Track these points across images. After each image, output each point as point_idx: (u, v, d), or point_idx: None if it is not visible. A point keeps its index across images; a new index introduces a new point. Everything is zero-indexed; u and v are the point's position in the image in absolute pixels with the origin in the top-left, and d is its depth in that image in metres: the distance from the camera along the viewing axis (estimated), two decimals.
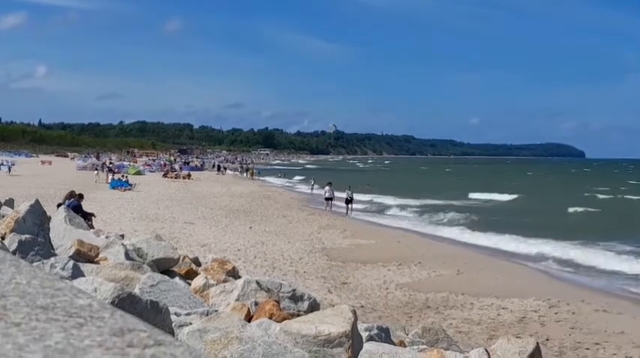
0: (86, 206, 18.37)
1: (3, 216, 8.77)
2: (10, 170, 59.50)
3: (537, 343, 6.84)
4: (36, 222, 8.03)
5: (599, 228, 29.63)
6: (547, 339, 11.69)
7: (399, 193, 49.43)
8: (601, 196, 53.00)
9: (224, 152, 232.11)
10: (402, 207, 40.57)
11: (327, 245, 22.67)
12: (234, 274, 9.39)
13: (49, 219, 8.87)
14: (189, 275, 9.08)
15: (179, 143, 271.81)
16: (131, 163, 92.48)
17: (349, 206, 36.18)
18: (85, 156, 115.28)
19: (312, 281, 16.37)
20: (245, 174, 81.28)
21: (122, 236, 12.23)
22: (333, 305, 8.19)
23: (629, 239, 25.58)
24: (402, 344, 7.18)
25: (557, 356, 11.02)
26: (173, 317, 5.70)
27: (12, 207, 11.49)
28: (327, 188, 37.86)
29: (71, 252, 7.69)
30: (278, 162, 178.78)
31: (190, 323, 5.63)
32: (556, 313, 13.86)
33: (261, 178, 79.09)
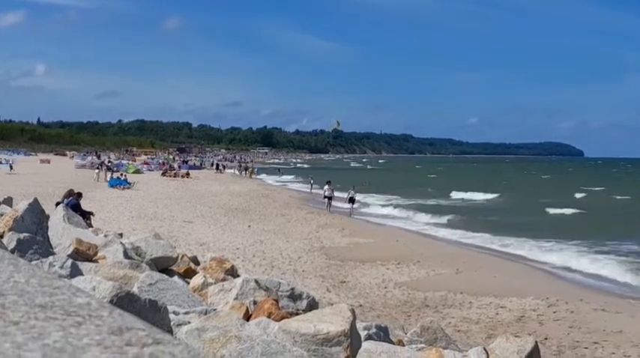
0: (85, 205, 18.37)
1: (1, 215, 8.76)
2: (11, 168, 59.51)
3: (536, 342, 6.85)
4: (34, 220, 8.02)
5: (571, 228, 29.56)
6: (546, 338, 11.71)
7: (382, 191, 49.97)
8: (585, 195, 52.98)
9: (223, 151, 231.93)
10: (382, 206, 40.76)
11: (325, 244, 22.68)
12: (232, 273, 9.39)
13: (47, 217, 8.88)
14: (188, 274, 9.08)
15: (178, 142, 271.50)
16: (130, 162, 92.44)
17: (352, 205, 35.90)
18: (84, 155, 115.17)
19: (311, 280, 16.38)
20: (244, 173, 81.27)
21: (121, 235, 12.23)
22: (332, 304, 8.20)
23: (601, 239, 25.68)
24: (400, 343, 7.18)
25: (556, 355, 11.03)
26: (172, 316, 5.70)
27: (10, 206, 11.49)
28: (326, 187, 37.69)
29: (70, 250, 7.69)
30: (272, 161, 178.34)
31: (189, 322, 5.63)
32: (554, 312, 13.88)
33: (258, 177, 79.17)
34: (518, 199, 48.65)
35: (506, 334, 7.79)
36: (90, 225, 14.17)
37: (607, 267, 19.55)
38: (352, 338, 5.38)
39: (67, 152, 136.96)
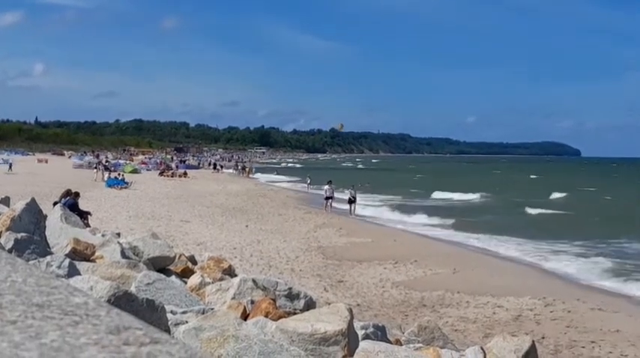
0: (82, 204, 18.36)
1: None
2: (10, 167, 59.40)
3: (533, 341, 6.86)
4: (32, 220, 8.02)
5: (545, 228, 29.64)
6: (543, 337, 11.71)
7: (363, 190, 50.09)
8: (564, 196, 52.99)
9: (220, 150, 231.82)
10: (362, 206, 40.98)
11: (323, 243, 22.68)
12: (230, 272, 9.39)
13: (45, 217, 8.88)
14: (186, 274, 9.08)
15: (175, 141, 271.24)
16: (127, 161, 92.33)
17: (352, 206, 35.55)
18: (81, 155, 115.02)
19: (308, 279, 16.37)
20: (241, 173, 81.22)
21: (118, 234, 12.22)
22: (329, 304, 8.19)
23: (564, 239, 26.06)
24: (398, 342, 7.19)
25: (553, 354, 11.04)
26: (169, 316, 5.70)
27: (8, 206, 11.48)
28: (326, 187, 37.41)
29: (67, 250, 7.69)
30: (266, 161, 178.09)
31: (186, 322, 5.63)
32: (552, 311, 13.89)
33: (254, 176, 79.24)
34: (496, 199, 49.05)
35: (504, 333, 7.80)
36: (87, 225, 14.16)
37: (572, 265, 20.08)
38: (350, 338, 5.39)
39: (65, 152, 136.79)
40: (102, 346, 0.95)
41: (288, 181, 71.62)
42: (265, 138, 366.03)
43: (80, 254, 7.80)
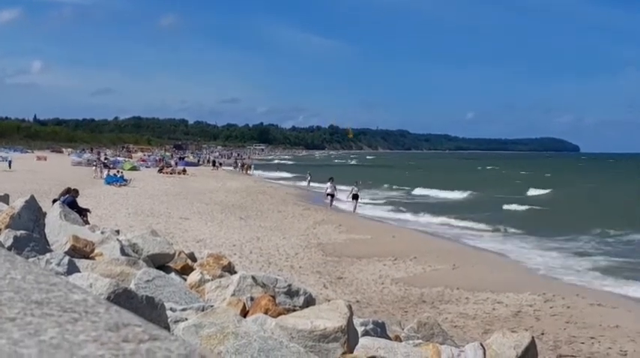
0: (81, 201, 18.35)
1: None
2: (10, 165, 59.40)
3: (532, 337, 6.85)
4: (31, 217, 8.02)
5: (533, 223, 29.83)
6: (542, 333, 11.73)
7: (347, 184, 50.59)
8: (541, 193, 53.14)
9: (219, 147, 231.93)
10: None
11: (322, 240, 22.68)
12: (229, 269, 9.38)
13: (44, 214, 8.87)
14: (185, 271, 9.07)
15: (174, 138, 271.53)
16: (126, 159, 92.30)
17: (355, 202, 35.41)
18: (80, 152, 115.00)
19: (308, 276, 16.38)
20: (240, 170, 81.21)
21: (117, 231, 12.22)
22: (329, 300, 8.20)
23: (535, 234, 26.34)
24: (397, 338, 7.19)
25: (553, 350, 11.05)
26: (169, 313, 5.70)
27: (7, 203, 11.47)
28: (328, 184, 37.26)
29: (66, 247, 7.69)
30: (261, 158, 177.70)
31: (186, 319, 5.63)
32: (551, 307, 13.90)
33: (252, 173, 79.17)
34: (477, 195, 49.23)
35: (503, 329, 7.80)
36: (86, 222, 14.15)
37: (568, 261, 20.37)
38: (349, 334, 5.39)
39: (64, 149, 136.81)
40: (101, 343, 0.95)
41: (288, 178, 71.64)
42: (264, 135, 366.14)
43: (79, 251, 7.80)
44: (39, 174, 51.15)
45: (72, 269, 6.45)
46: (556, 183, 62.52)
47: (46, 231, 8.56)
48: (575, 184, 65.53)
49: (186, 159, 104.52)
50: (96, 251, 8.12)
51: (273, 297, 6.82)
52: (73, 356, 0.91)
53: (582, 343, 11.43)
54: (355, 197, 35.62)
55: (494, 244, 23.78)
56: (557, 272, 18.63)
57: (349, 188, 36.92)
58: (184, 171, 65.50)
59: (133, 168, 66.45)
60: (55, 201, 14.30)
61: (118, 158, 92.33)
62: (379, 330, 7.04)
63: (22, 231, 7.17)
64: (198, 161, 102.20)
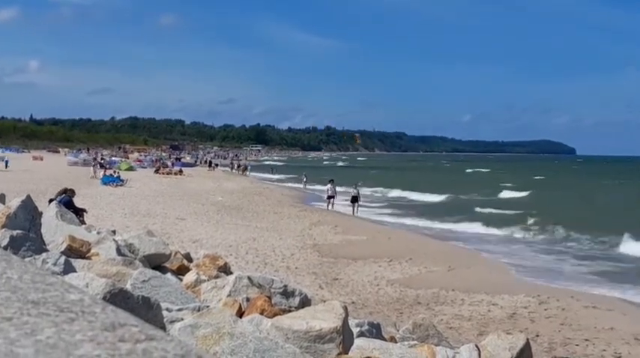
0: (78, 202, 18.31)
1: None
2: (7, 165, 59.24)
3: (527, 339, 6.87)
4: (27, 217, 8.01)
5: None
6: (537, 335, 11.74)
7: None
8: (528, 194, 53.13)
9: (215, 148, 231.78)
10: None
11: (318, 241, 22.68)
12: (225, 270, 9.38)
13: (40, 214, 8.85)
14: (181, 271, 9.07)
15: (171, 139, 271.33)
16: (123, 159, 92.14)
17: (355, 204, 35.09)
18: (76, 152, 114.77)
19: (304, 277, 16.38)
20: (237, 171, 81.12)
21: (114, 232, 12.20)
22: (325, 301, 8.20)
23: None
24: (392, 339, 7.20)
25: (547, 352, 11.07)
26: (165, 313, 5.70)
27: (3, 203, 11.44)
28: (328, 186, 37.03)
29: (63, 247, 7.68)
30: (253, 159, 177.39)
31: (182, 319, 5.63)
32: (546, 309, 13.92)
33: (247, 174, 79.11)
34: (454, 198, 49.11)
35: (498, 331, 7.81)
36: (83, 222, 14.13)
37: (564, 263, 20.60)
38: (344, 335, 5.40)
39: (60, 149, 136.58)
40: (97, 343, 0.95)
41: (284, 179, 71.55)
42: (261, 136, 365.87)
43: (76, 251, 7.79)
44: (35, 173, 51.05)
45: (68, 269, 6.44)
46: (539, 186, 62.37)
47: (43, 230, 8.55)
48: (561, 187, 65.19)
49: (182, 159, 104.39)
50: (92, 251, 8.11)
51: (269, 298, 6.83)
52: (70, 356, 0.91)
53: (577, 345, 11.45)
54: (355, 199, 35.28)
55: (483, 245, 23.96)
56: (550, 274, 18.66)
57: (342, 189, 36.93)
58: (181, 171, 65.41)
59: (130, 169, 66.32)
60: (51, 200, 14.27)
61: (115, 158, 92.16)
62: (374, 331, 7.05)
63: (19, 231, 7.16)
64: (195, 162, 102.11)
